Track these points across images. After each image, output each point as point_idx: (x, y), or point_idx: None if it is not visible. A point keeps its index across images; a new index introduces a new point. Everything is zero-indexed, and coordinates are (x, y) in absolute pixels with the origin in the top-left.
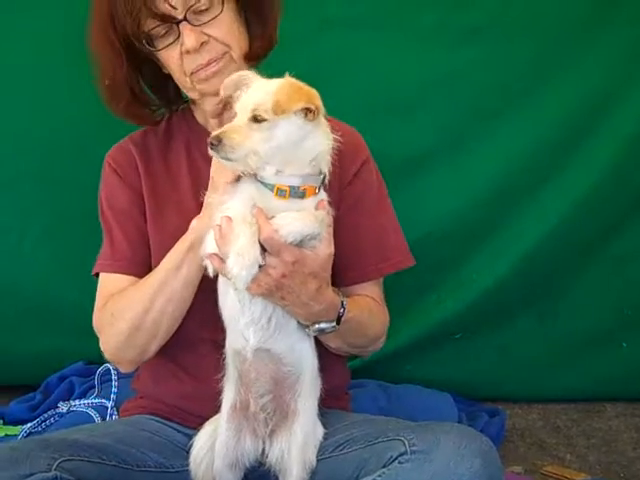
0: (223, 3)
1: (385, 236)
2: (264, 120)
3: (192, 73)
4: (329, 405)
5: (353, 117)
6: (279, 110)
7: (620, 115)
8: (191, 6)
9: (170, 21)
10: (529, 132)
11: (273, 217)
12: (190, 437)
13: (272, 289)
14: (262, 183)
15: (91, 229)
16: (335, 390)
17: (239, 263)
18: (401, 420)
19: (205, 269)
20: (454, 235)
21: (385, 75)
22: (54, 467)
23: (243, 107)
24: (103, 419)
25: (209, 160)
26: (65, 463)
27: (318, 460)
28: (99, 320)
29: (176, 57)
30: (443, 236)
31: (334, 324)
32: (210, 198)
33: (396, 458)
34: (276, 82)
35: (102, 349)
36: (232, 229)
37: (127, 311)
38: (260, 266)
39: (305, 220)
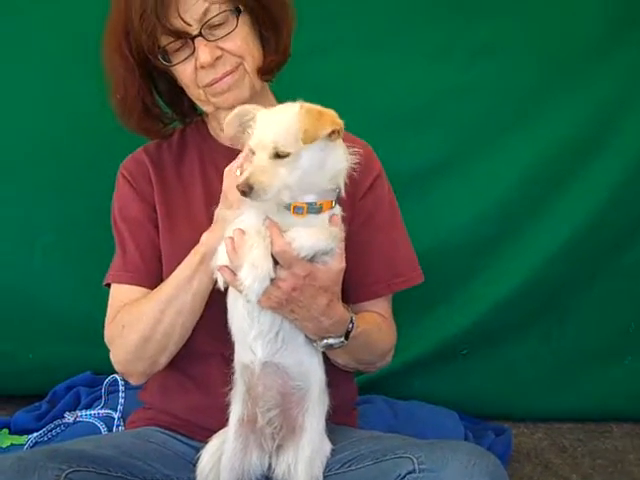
0: (238, 18)
1: (396, 252)
2: (287, 154)
3: (206, 86)
4: (336, 421)
5: (364, 132)
6: (309, 139)
7: (630, 129)
8: (206, 22)
9: (185, 37)
10: (538, 147)
11: (286, 231)
12: (197, 450)
13: (282, 302)
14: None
15: (102, 239)
16: (343, 406)
17: (252, 275)
18: (409, 437)
19: (215, 282)
20: (463, 250)
21: (396, 91)
22: (62, 478)
23: (261, 144)
24: (109, 430)
25: (222, 173)
26: (73, 474)
27: (325, 477)
28: (110, 332)
29: (190, 71)
30: (452, 250)
31: (342, 339)
32: (222, 211)
33: (404, 476)
34: (288, 111)
35: (112, 361)
36: (245, 241)
37: (138, 323)
38: (271, 279)
39: (319, 235)
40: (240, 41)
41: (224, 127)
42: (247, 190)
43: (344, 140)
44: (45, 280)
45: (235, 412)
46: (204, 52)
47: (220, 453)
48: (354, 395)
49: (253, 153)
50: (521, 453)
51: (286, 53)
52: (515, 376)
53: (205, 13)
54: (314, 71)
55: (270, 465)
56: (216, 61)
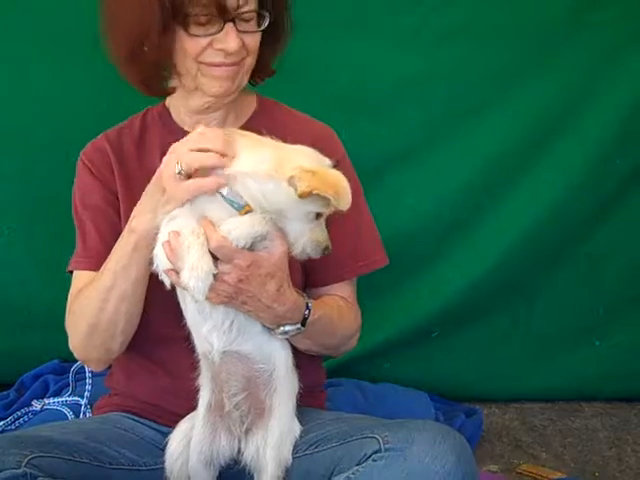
0: (262, 22)
1: (360, 236)
2: None
3: (206, 64)
4: (304, 404)
5: (328, 116)
6: None
7: (594, 114)
8: (241, 12)
9: (222, 16)
10: (503, 132)
11: (219, 225)
12: (164, 435)
13: (231, 296)
14: (228, 201)
15: (66, 227)
16: (310, 388)
17: (194, 276)
18: (375, 418)
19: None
20: (430, 233)
21: (361, 75)
22: (24, 464)
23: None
24: (77, 417)
25: None
26: (35, 460)
27: (292, 458)
28: (67, 319)
29: (201, 46)
30: (419, 234)
31: (299, 326)
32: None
33: (370, 456)
34: None
35: (70, 348)
36: (180, 243)
37: (84, 311)
38: (215, 275)
39: (252, 221)
40: (256, 41)
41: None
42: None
43: (306, 123)
44: (10, 268)
45: (203, 397)
46: (233, 39)
47: (189, 438)
48: (322, 378)
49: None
50: (492, 433)
51: (270, 71)
52: (486, 357)
53: (243, 4)
54: (282, 55)
55: (240, 449)
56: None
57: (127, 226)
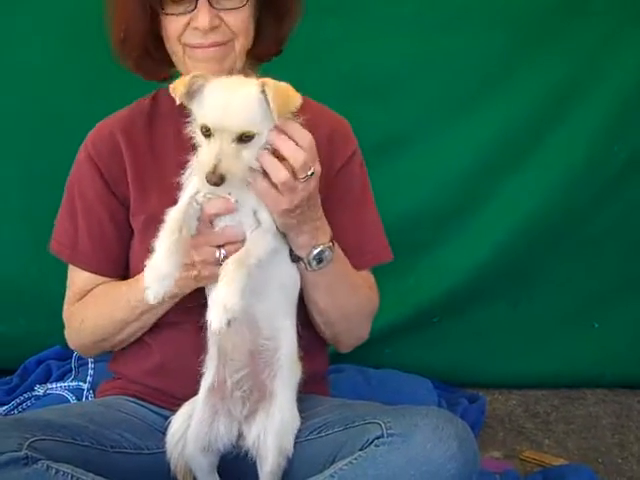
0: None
1: (365, 232)
2: (254, 136)
3: (188, 46)
4: (308, 390)
5: (329, 101)
6: (282, 118)
7: (590, 103)
8: None
9: None
10: (501, 119)
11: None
12: (166, 418)
13: (304, 201)
14: None
15: None
16: (314, 375)
17: (151, 276)
18: (378, 404)
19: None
20: (431, 218)
21: (360, 61)
22: (25, 446)
23: (224, 127)
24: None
25: None
26: (37, 443)
27: (294, 444)
28: (68, 314)
29: (180, 26)
30: (421, 219)
31: (330, 244)
32: None
33: (372, 441)
34: (250, 90)
35: (66, 338)
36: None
37: (95, 327)
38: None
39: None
40: (241, 20)
41: (176, 98)
42: (219, 182)
43: (323, 113)
44: (13, 254)
45: (206, 379)
46: (205, 16)
47: (190, 421)
48: (325, 365)
49: (207, 131)
50: (495, 419)
51: (280, 46)
52: (487, 344)
53: None
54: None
55: (241, 433)
56: (212, 29)
57: None
